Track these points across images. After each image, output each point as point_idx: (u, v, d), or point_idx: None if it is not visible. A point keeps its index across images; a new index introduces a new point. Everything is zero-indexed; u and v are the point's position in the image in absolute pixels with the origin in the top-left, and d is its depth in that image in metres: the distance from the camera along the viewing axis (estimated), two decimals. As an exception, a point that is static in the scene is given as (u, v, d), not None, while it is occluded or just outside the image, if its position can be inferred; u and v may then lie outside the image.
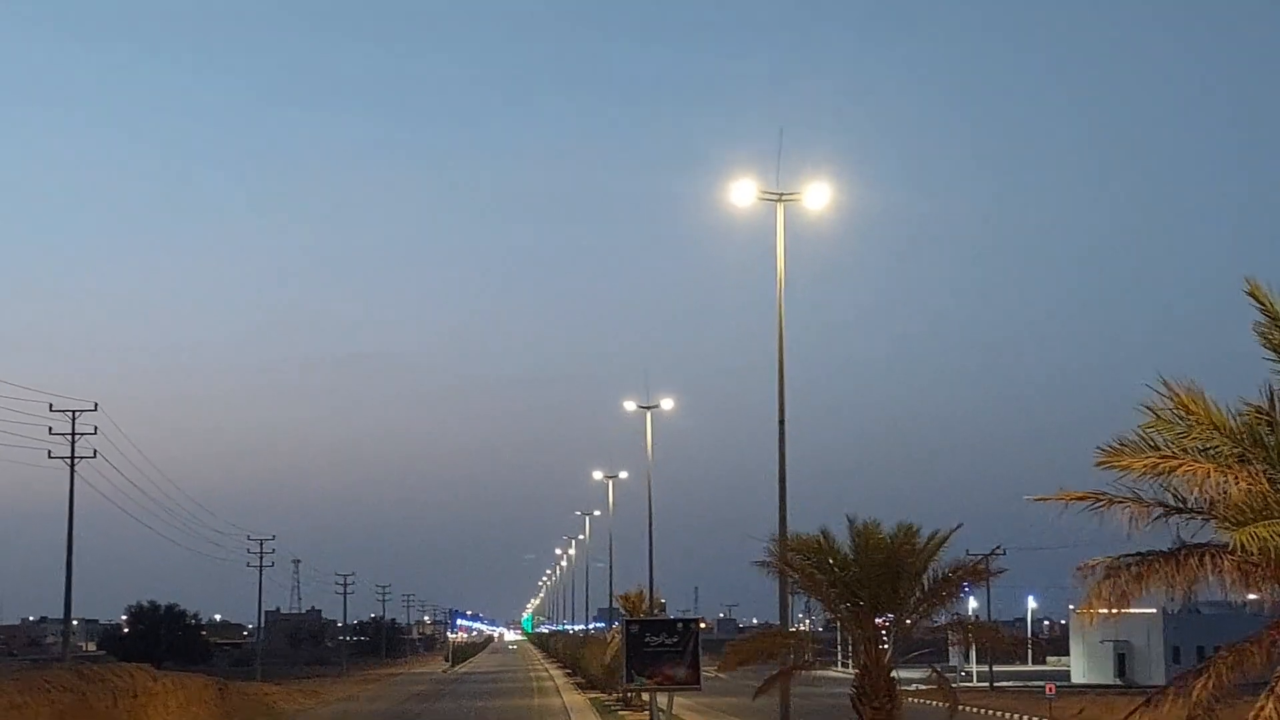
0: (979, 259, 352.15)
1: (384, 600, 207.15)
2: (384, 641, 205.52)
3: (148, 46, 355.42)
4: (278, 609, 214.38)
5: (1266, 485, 14.96)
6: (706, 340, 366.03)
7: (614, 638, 69.16)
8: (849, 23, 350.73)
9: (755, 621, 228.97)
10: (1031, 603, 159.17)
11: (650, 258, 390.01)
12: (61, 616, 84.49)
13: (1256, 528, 14.20)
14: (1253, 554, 14.40)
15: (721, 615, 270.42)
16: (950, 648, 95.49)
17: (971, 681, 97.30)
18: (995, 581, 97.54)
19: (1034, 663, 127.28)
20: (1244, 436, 15.49)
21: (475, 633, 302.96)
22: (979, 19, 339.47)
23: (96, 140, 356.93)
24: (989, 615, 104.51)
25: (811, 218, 37.66)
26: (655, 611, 73.21)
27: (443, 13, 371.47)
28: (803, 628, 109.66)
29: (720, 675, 52.98)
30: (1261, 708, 15.25)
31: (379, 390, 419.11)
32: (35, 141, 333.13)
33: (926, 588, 28.17)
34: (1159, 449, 15.49)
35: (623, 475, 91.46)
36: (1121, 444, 15.79)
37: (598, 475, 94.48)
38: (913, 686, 32.60)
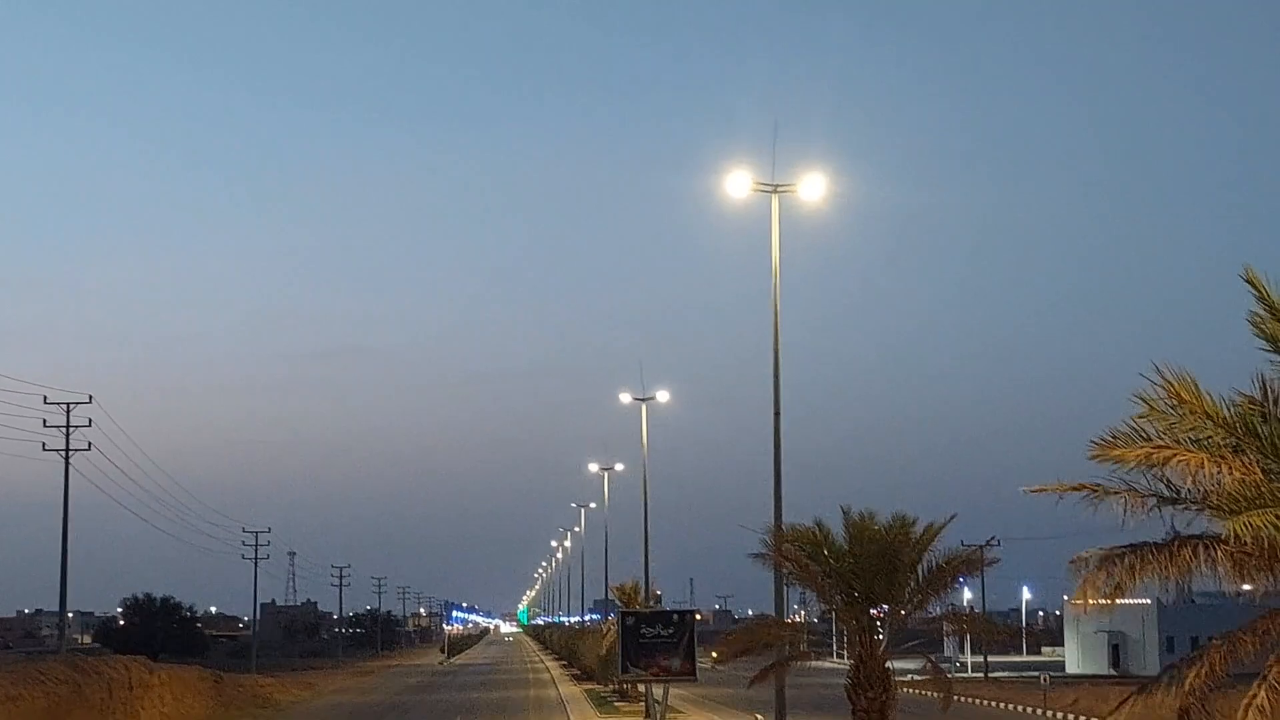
0: (974, 251, 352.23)
1: (379, 592, 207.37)
2: (379, 634, 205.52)
3: (145, 43, 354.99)
4: (273, 601, 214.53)
5: (1260, 475, 14.98)
6: (702, 332, 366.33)
7: (609, 629, 69.23)
8: (846, 13, 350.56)
9: (751, 613, 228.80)
10: (1026, 594, 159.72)
11: (646, 250, 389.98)
12: (57, 609, 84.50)
13: (1250, 516, 14.23)
14: (1246, 543, 14.44)
15: (717, 607, 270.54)
16: (945, 638, 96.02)
17: (966, 672, 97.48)
18: (990, 572, 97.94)
19: (1029, 653, 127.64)
20: (1237, 426, 15.52)
21: (471, 625, 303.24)
22: (976, 11, 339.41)
23: (91, 135, 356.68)
24: (984, 606, 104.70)
25: (807, 210, 37.64)
26: (651, 603, 73.25)
27: (437, 8, 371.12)
28: (798, 619, 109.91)
29: (716, 666, 52.78)
30: (1254, 695, 15.30)
31: (374, 383, 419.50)
32: (28, 136, 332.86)
33: (921, 579, 28.23)
34: (1151, 440, 15.51)
35: (618, 467, 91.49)
36: (1115, 436, 15.81)
37: (593, 468, 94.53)
38: (908, 677, 32.77)
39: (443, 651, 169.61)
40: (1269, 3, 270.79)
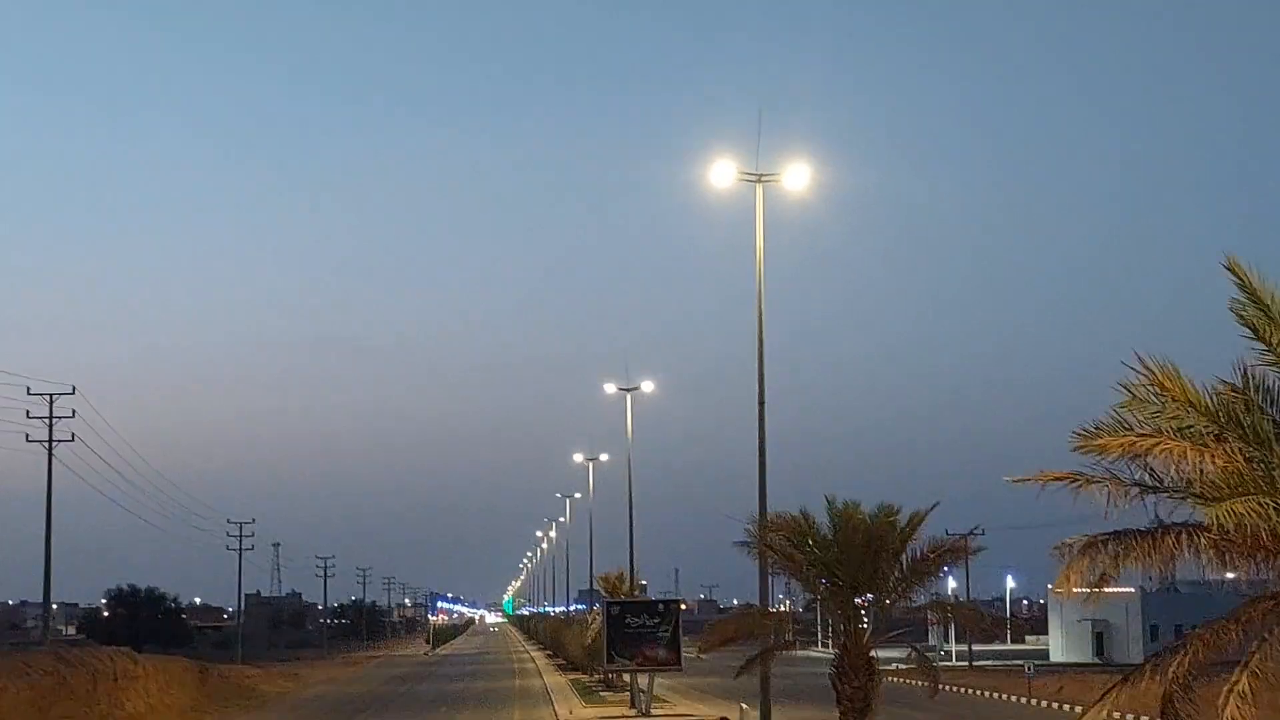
0: (962, 242, 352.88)
1: (364, 583, 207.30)
2: (364, 624, 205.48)
3: (131, 35, 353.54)
4: (258, 592, 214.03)
5: (1243, 462, 15.02)
6: (688, 323, 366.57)
7: (595, 619, 69.25)
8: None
9: (736, 602, 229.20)
10: (1010, 582, 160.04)
11: (631, 241, 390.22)
12: (41, 600, 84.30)
13: (1233, 504, 14.27)
14: (1229, 531, 14.48)
15: (702, 596, 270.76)
16: (930, 627, 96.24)
17: (951, 661, 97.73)
18: (974, 561, 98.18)
19: (1013, 642, 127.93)
20: (1220, 414, 15.56)
21: (456, 615, 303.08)
22: None
23: (75, 125, 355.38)
24: (968, 595, 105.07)
25: (792, 199, 37.62)
26: (636, 593, 73.29)
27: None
28: (783, 608, 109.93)
29: (701, 656, 52.83)
30: (1236, 681, 15.37)
31: (358, 374, 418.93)
32: (12, 126, 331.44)
33: (905, 567, 28.31)
34: (1134, 429, 15.55)
35: (603, 458, 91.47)
36: (1098, 426, 15.84)
37: (578, 458, 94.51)
38: (892, 666, 32.92)
39: (428, 642, 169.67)
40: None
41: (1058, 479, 16.27)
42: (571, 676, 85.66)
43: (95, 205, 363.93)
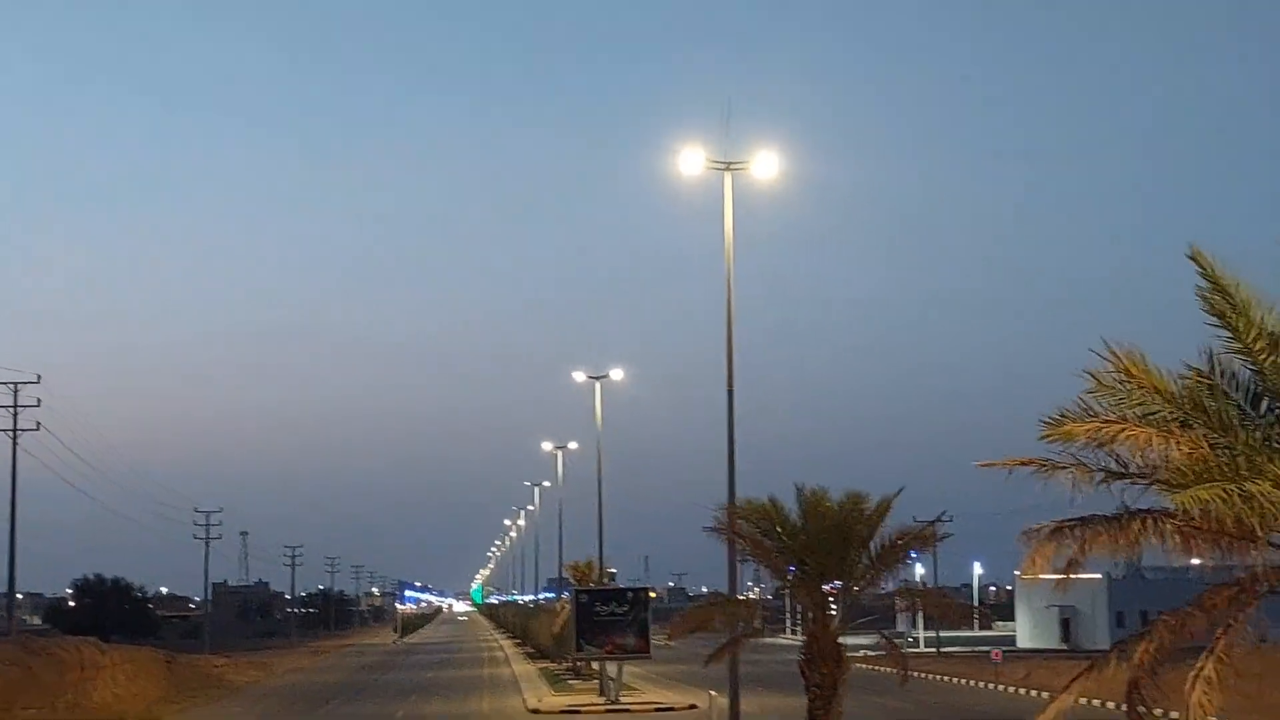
0: (938, 234, 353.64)
1: (333, 572, 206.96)
2: (332, 613, 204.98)
3: (113, 18, 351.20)
4: (225, 581, 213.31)
5: (1208, 449, 15.08)
6: (657, 310, 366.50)
7: (564, 608, 69.27)
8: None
9: (705, 590, 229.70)
10: (978, 569, 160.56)
11: (600, 228, 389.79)
12: (5, 590, 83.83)
13: (1198, 490, 14.33)
14: (1194, 517, 14.54)
15: (671, 584, 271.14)
16: (898, 614, 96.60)
17: (919, 647, 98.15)
18: (943, 548, 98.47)
19: (980, 628, 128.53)
20: (1185, 401, 15.63)
21: (424, 604, 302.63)
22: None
23: (48, 114, 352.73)
24: (935, 581, 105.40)
25: (761, 187, 37.66)
26: (605, 581, 73.35)
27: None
28: (752, 595, 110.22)
29: (670, 643, 53.00)
30: (1201, 667, 15.46)
31: (326, 363, 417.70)
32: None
33: (873, 554, 28.36)
34: (1099, 416, 15.60)
35: (572, 446, 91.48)
36: (1064, 413, 15.88)
37: (547, 446, 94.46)
38: (861, 653, 33.06)
39: (396, 631, 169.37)
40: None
41: (1024, 464, 16.32)
42: (540, 665, 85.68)
43: (68, 195, 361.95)
